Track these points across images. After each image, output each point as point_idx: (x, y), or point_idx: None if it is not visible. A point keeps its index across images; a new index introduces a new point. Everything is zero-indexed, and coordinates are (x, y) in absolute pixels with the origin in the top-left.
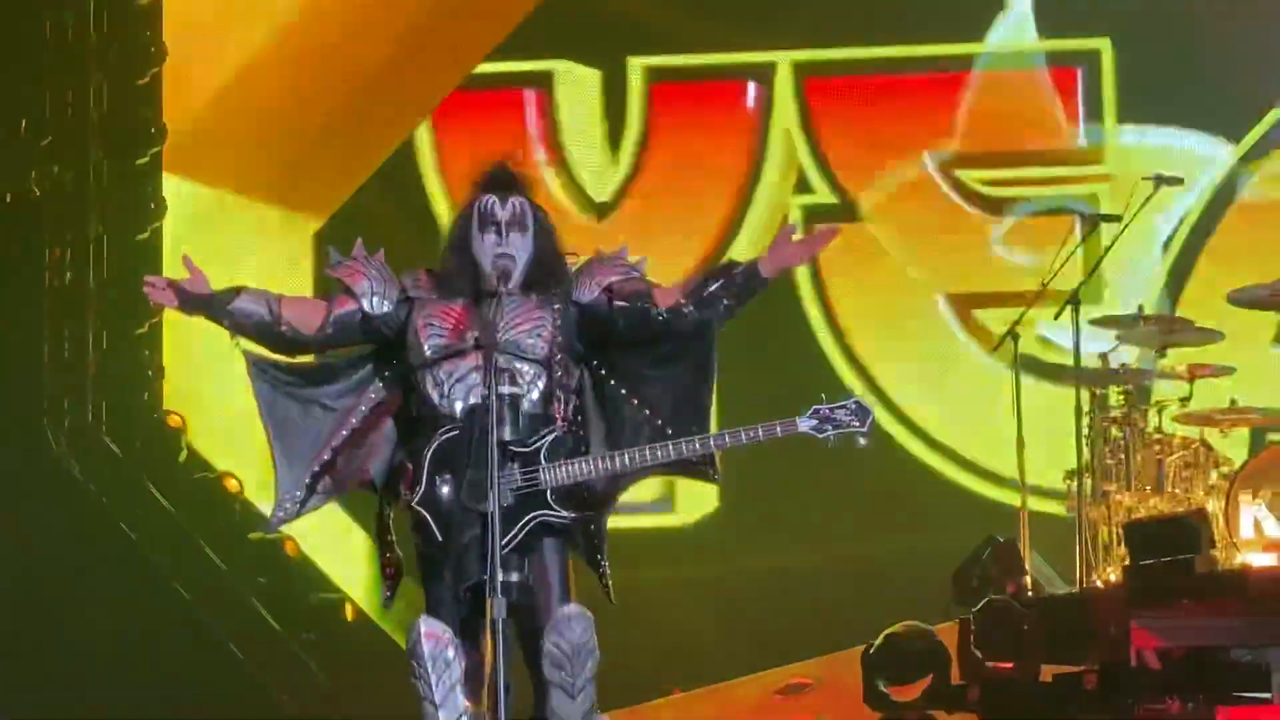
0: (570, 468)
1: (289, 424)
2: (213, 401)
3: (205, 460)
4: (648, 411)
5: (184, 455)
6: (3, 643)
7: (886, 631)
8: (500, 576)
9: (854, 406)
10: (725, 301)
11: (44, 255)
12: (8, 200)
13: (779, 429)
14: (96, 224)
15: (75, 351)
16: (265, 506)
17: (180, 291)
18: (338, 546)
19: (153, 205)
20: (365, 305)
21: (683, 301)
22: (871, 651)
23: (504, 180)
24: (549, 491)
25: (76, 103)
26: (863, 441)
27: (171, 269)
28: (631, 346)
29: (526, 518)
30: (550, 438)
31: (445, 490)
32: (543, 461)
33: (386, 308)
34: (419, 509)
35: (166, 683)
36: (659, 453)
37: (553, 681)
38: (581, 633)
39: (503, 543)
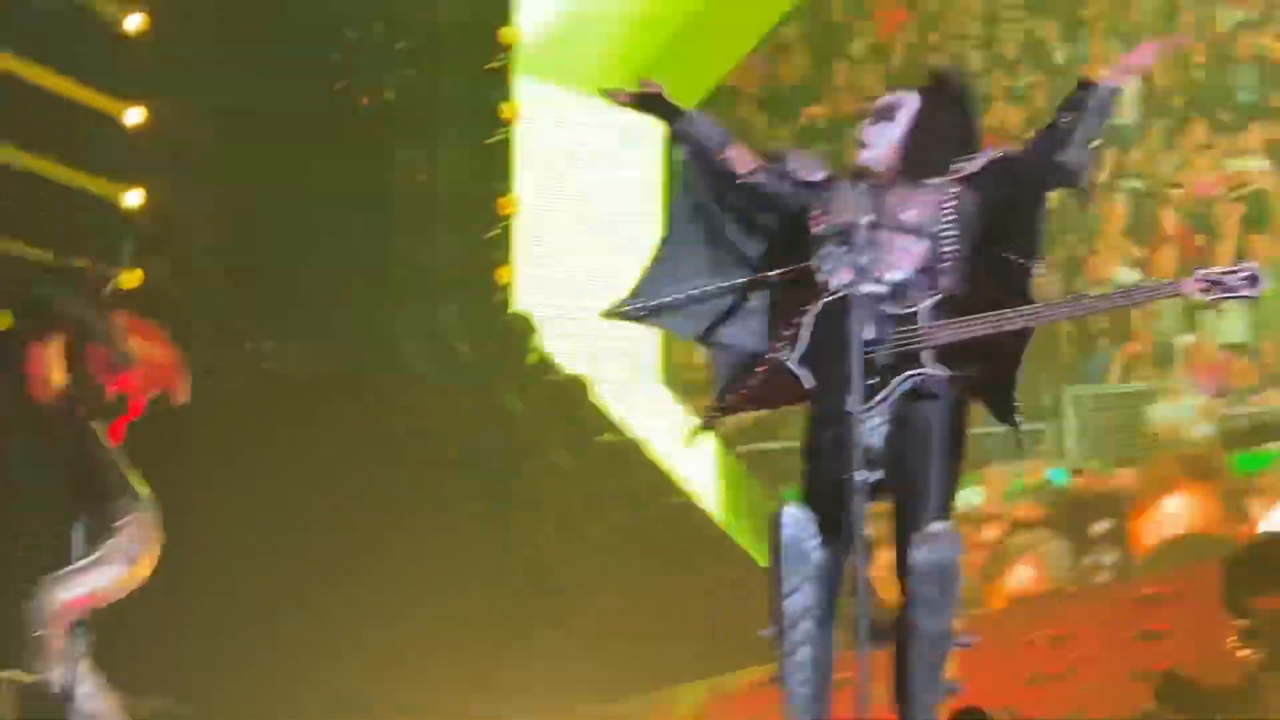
0: (948, 328)
1: (687, 238)
2: (562, 303)
3: (554, 362)
4: (1011, 256)
5: (534, 357)
6: (344, 539)
7: (1249, 540)
8: (862, 475)
9: (1247, 273)
10: (1063, 119)
11: (397, 158)
12: (363, 104)
13: (1160, 290)
14: (448, 127)
15: (426, 254)
16: (614, 409)
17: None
18: (688, 450)
19: (503, 108)
20: (792, 169)
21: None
22: (1234, 561)
23: (929, 77)
24: (926, 351)
25: (428, 6)
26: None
27: (521, 173)
28: (1014, 211)
29: (901, 376)
30: (931, 300)
31: (821, 353)
32: (920, 321)
33: (816, 176)
34: (798, 366)
35: (505, 582)
36: (1037, 314)
37: (917, 596)
38: (950, 551)
39: (875, 400)
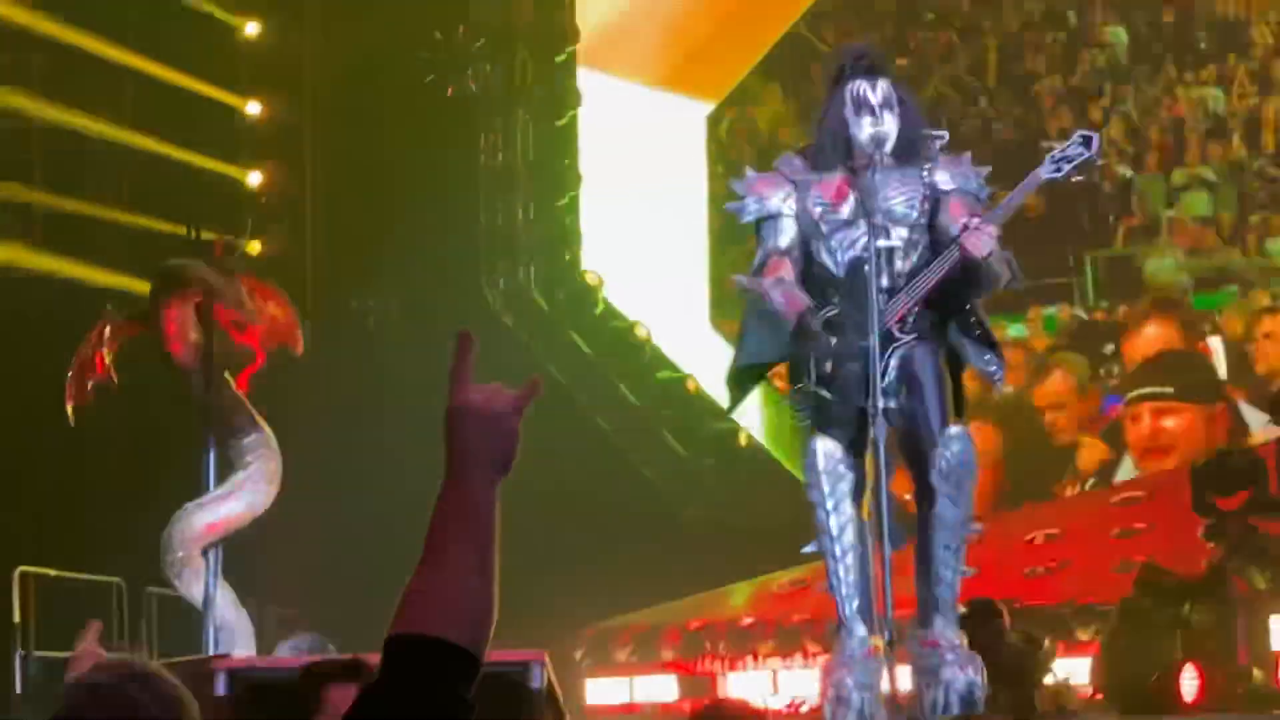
0: (894, 301)
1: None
2: (625, 260)
3: (619, 311)
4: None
5: (601, 308)
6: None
7: (1214, 451)
8: (881, 403)
9: (1079, 139)
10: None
11: (479, 140)
12: (449, 94)
13: (1027, 186)
14: (522, 113)
15: (506, 221)
16: (670, 350)
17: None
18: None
19: (569, 96)
20: (786, 210)
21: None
22: (1200, 466)
23: (870, 65)
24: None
25: (504, 10)
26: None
27: (586, 153)
28: None
29: (890, 348)
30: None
31: (832, 342)
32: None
33: (792, 206)
34: (819, 358)
35: (582, 499)
36: (942, 265)
37: (939, 490)
38: (967, 449)
39: (888, 352)
